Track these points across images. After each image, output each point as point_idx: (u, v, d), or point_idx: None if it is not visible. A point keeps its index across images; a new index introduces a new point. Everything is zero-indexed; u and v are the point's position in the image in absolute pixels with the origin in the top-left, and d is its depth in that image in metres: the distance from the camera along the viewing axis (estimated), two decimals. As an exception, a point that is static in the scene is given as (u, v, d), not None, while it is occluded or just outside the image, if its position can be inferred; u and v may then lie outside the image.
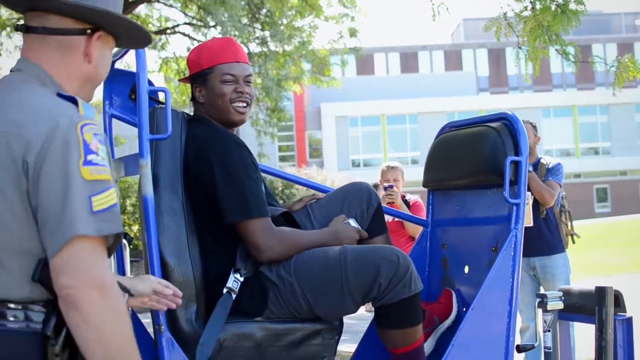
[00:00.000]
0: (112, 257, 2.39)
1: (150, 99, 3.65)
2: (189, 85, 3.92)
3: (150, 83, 3.58)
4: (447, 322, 4.08)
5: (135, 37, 2.63)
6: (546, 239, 7.01)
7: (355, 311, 3.68)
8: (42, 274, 2.18)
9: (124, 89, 3.92)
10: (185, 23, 20.67)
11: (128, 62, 10.96)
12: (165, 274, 3.40)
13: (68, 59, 2.41)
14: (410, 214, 6.29)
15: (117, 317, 2.18)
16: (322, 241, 3.68)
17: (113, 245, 2.28)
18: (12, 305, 2.20)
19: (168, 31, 20.96)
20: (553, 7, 7.03)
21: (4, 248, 2.20)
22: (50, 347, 2.19)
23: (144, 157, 3.32)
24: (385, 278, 3.54)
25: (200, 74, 3.81)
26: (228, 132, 3.78)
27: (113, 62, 3.82)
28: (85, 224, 2.14)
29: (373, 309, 3.73)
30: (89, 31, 2.43)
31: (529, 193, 6.64)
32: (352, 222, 3.82)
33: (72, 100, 2.30)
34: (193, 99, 3.88)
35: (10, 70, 2.44)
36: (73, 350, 2.22)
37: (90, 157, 2.19)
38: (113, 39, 2.54)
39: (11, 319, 2.20)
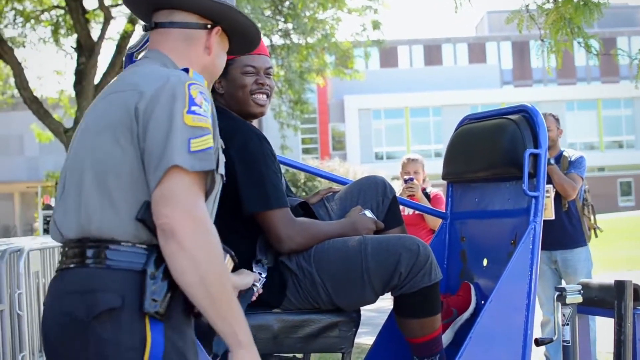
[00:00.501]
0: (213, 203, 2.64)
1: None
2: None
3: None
4: (466, 315, 4.07)
5: (248, 36, 2.92)
6: (568, 232, 6.98)
7: (374, 301, 3.69)
8: (145, 213, 2.39)
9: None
10: (209, 15, 20.68)
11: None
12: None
13: (191, 50, 2.71)
14: (430, 206, 6.28)
15: (211, 247, 2.37)
16: (340, 232, 3.69)
17: (210, 188, 2.50)
18: (117, 245, 2.42)
19: (191, 23, 20.97)
20: (575, -1, 7.00)
21: (118, 190, 2.43)
22: (150, 282, 2.38)
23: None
24: (405, 267, 3.55)
25: None
26: (247, 123, 3.78)
27: (131, 54, 3.83)
28: (182, 158, 2.37)
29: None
30: (209, 26, 2.73)
31: (551, 186, 6.62)
32: (368, 213, 3.82)
33: (185, 70, 2.61)
34: (212, 90, 3.88)
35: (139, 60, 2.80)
36: (171, 290, 2.41)
37: (193, 107, 2.44)
38: (227, 40, 2.85)
39: (115, 257, 2.41)
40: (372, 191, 3.99)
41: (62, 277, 2.47)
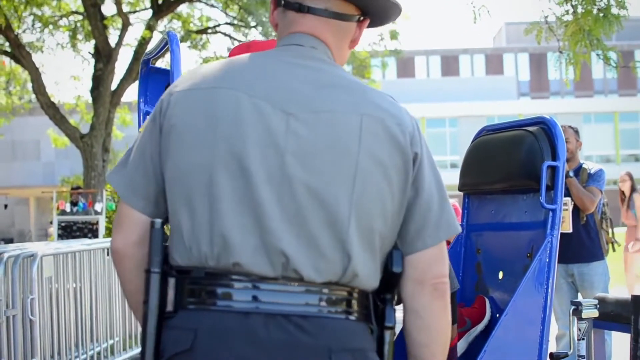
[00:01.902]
0: None
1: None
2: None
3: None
4: (480, 327, 4.04)
5: (383, 23, 2.55)
6: (585, 245, 6.93)
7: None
8: (401, 265, 2.23)
9: (158, 87, 3.91)
10: (227, 23, 20.78)
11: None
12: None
13: (343, 44, 2.38)
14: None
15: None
16: None
17: None
18: (363, 296, 2.19)
19: (209, 31, 21.08)
20: (595, 11, 6.96)
21: (378, 237, 2.18)
22: (390, 337, 2.23)
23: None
24: (421, 278, 3.51)
25: None
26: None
27: (148, 60, 3.82)
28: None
29: None
30: (360, 18, 2.39)
31: (569, 199, 6.57)
32: None
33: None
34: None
35: (297, 44, 2.32)
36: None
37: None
38: None
39: (364, 310, 2.19)
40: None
41: (298, 325, 2.09)
